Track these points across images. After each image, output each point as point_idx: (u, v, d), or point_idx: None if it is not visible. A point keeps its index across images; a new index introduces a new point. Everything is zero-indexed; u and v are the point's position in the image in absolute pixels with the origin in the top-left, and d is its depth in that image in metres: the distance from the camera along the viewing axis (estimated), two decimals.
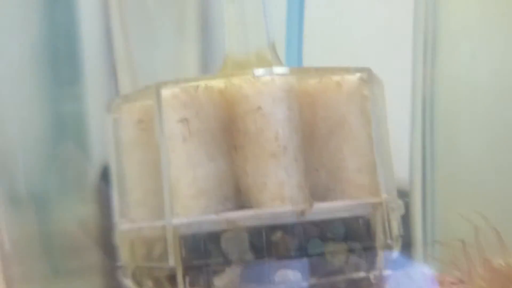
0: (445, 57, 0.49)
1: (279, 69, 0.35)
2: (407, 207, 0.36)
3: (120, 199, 0.38)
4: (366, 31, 0.52)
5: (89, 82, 0.53)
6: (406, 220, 0.37)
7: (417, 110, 0.50)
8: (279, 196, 0.33)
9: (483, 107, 0.48)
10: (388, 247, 0.35)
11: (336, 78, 0.36)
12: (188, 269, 0.33)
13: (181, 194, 0.34)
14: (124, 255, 0.37)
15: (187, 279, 0.33)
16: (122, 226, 0.37)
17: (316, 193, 0.35)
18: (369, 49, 0.52)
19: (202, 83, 0.35)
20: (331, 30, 0.51)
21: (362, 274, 0.34)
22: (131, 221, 0.37)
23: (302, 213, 0.33)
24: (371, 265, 0.34)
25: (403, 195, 0.46)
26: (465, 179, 0.48)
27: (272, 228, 0.33)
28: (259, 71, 0.35)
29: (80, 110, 0.53)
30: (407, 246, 0.37)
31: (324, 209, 0.33)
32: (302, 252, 0.33)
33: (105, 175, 0.46)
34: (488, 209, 0.45)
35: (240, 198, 0.34)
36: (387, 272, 0.35)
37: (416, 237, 0.49)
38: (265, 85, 0.34)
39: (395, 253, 0.36)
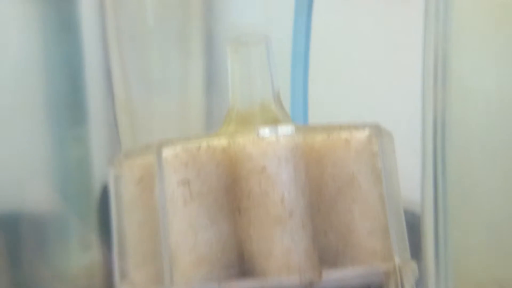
0: (456, 83, 0.46)
1: (284, 128, 0.32)
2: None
3: (120, 259, 0.35)
4: (374, 70, 0.50)
5: (93, 124, 0.51)
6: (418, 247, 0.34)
7: (428, 137, 0.47)
8: (286, 264, 0.30)
9: (496, 136, 0.46)
10: None
11: (344, 134, 0.33)
12: None
13: (181, 261, 0.31)
14: None
15: None
16: None
17: (325, 257, 0.31)
18: (377, 85, 0.49)
19: (204, 143, 0.32)
20: (336, 76, 0.48)
21: None
22: (131, 285, 0.34)
23: (311, 284, 0.29)
24: None
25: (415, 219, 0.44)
26: (479, 206, 0.46)
27: None
28: (264, 131, 0.32)
29: (84, 152, 0.51)
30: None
31: (334, 279, 0.30)
32: None
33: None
34: (502, 235, 0.43)
35: (243, 264, 0.31)
36: None
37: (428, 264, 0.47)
38: (269, 145, 0.31)
39: None
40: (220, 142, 0.32)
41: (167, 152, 0.32)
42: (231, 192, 0.32)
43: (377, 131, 0.33)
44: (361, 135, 0.33)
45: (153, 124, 0.52)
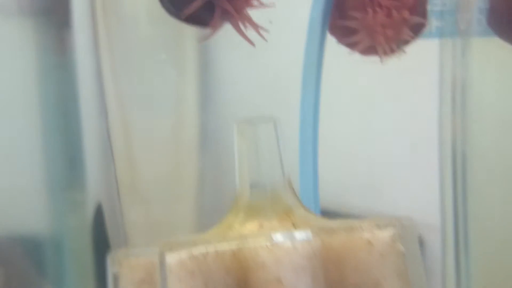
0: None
1: (300, 234, 0.28)
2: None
3: None
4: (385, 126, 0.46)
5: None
6: None
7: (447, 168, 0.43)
8: None
9: None
10: None
11: (366, 235, 0.29)
12: None
13: None
14: None
15: None
16: None
17: None
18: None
19: (211, 247, 0.28)
20: (345, 157, 0.44)
21: None
22: None
23: None
24: None
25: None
26: (499, 235, 0.42)
27: None
28: (278, 237, 0.27)
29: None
30: None
31: None
32: None
33: None
34: None
35: None
36: None
37: None
38: (285, 253, 0.27)
39: None
40: (229, 246, 0.28)
41: (171, 259, 0.28)
42: None
43: (401, 228, 0.29)
44: (384, 235, 0.29)
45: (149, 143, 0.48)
